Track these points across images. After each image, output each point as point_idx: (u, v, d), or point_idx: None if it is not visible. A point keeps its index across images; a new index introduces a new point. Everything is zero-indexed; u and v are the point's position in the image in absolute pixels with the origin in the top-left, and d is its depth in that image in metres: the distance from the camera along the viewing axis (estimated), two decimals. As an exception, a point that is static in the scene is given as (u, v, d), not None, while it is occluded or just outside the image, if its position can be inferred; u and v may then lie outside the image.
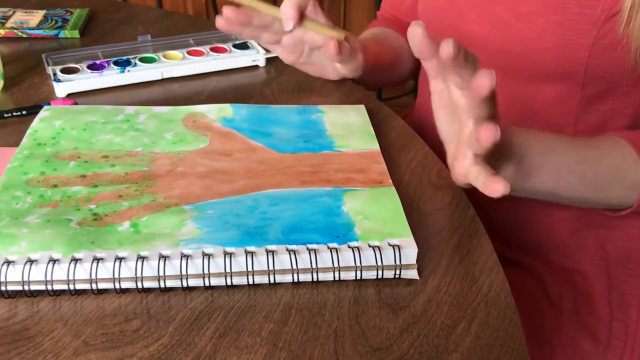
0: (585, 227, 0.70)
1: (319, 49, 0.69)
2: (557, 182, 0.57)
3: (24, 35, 0.84)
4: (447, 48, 0.43)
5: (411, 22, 0.44)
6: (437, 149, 0.58)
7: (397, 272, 0.45)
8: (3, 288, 0.42)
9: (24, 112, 0.64)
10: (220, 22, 0.64)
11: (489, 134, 0.43)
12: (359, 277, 0.45)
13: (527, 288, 0.72)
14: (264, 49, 0.77)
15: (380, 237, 0.46)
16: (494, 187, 0.44)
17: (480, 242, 0.50)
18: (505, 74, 0.63)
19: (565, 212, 0.69)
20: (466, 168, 0.49)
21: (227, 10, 0.63)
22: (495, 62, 0.63)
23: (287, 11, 0.64)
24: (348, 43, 0.65)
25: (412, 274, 0.46)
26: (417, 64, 0.86)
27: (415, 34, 0.44)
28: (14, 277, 0.42)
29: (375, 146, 0.58)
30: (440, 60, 0.44)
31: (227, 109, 0.63)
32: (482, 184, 0.46)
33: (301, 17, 0.65)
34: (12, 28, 0.84)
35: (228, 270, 0.43)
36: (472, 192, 0.59)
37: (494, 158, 0.50)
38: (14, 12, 0.89)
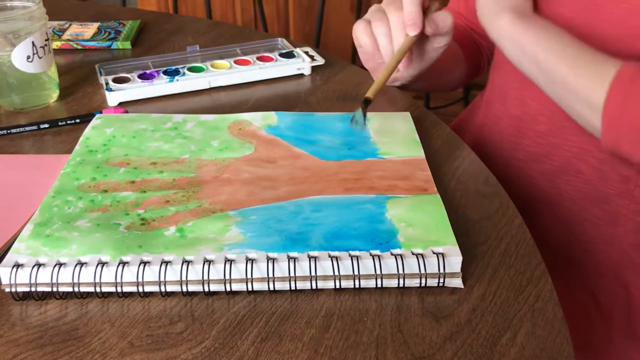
0: None
1: None
2: (548, 41, 0.59)
3: (79, 47, 0.87)
4: None
5: None
6: (485, 156, 0.57)
7: (441, 280, 0.44)
8: (54, 289, 0.43)
9: (78, 121, 0.66)
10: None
11: None
12: (401, 285, 0.44)
13: (576, 296, 0.70)
14: (310, 57, 0.78)
15: (423, 245, 0.46)
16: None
17: (527, 251, 0.49)
18: None
19: (620, 228, 0.67)
20: None
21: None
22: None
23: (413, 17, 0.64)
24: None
25: (457, 282, 0.45)
26: (469, 72, 0.85)
27: None
28: (64, 278, 0.43)
29: (420, 153, 0.58)
30: None
31: (272, 117, 0.63)
32: None
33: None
34: (68, 40, 0.87)
35: (271, 275, 0.44)
36: (523, 203, 0.57)
37: None
38: (70, 24, 0.92)
